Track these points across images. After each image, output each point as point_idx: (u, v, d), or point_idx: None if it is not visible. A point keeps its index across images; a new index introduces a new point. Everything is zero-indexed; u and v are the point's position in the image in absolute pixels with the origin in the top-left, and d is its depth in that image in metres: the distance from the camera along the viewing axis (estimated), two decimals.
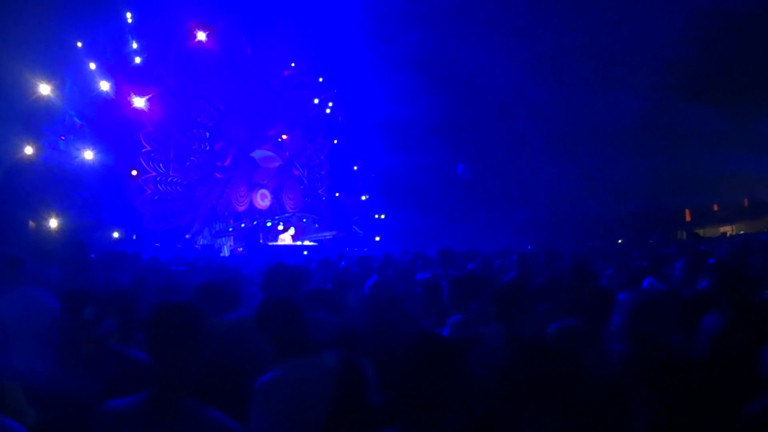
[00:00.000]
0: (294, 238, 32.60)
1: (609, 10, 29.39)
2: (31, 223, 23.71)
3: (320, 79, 37.97)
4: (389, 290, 6.65)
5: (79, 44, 26.11)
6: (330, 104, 38.60)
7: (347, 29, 32.10)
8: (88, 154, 26.29)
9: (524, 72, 32.18)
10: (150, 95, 29.29)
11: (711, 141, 31.15)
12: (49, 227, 23.85)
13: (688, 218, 38.69)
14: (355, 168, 38.73)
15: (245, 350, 4.51)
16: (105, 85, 27.14)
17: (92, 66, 26.69)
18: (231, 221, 34.03)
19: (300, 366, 4.08)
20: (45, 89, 23.87)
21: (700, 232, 27.61)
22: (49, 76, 24.44)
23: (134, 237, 27.65)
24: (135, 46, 29.56)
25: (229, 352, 4.49)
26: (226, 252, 30.81)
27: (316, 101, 37.93)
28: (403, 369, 3.35)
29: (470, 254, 13.69)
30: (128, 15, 29.04)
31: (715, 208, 38.51)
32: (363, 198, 37.95)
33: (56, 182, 25.04)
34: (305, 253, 27.01)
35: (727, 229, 36.23)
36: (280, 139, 36.18)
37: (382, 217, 37.89)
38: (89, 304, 5.25)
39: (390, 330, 5.41)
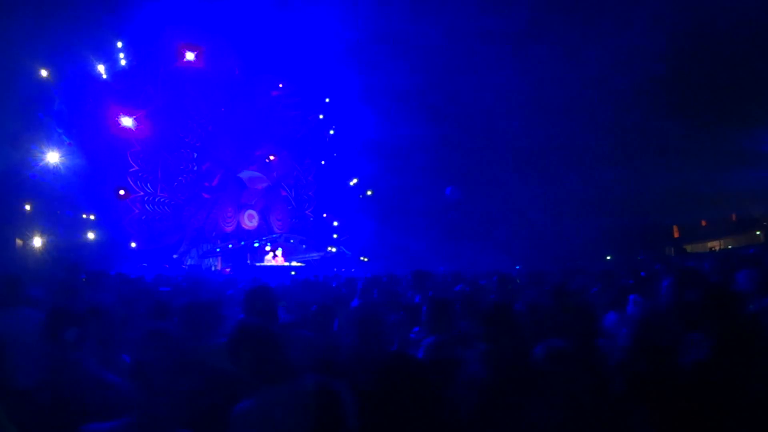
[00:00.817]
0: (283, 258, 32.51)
1: (592, 26, 29.45)
2: (18, 242, 23.70)
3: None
4: (372, 312, 6.63)
5: (68, 64, 26.15)
6: (319, 121, 38.51)
7: (335, 51, 32.17)
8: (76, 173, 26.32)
9: (511, 91, 32.24)
10: (138, 115, 29.27)
11: (698, 157, 31.18)
12: (35, 246, 23.85)
13: (676, 234, 38.75)
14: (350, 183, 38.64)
15: (228, 376, 4.45)
16: (94, 105, 27.16)
17: (81, 84, 26.71)
18: (218, 242, 33.97)
19: (276, 393, 4.01)
20: (33, 105, 23.93)
21: (688, 247, 27.69)
22: (38, 95, 24.48)
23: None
24: (124, 64, 29.64)
25: (212, 378, 4.46)
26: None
27: (308, 119, 37.88)
28: (377, 389, 3.36)
29: (457, 275, 13.66)
30: (118, 37, 29.16)
31: (703, 223, 38.58)
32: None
33: (44, 201, 25.03)
34: (293, 273, 26.98)
35: (715, 245, 36.24)
36: (267, 160, 36.19)
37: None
38: (72, 325, 5.23)
39: (370, 352, 5.41)
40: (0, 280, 7.72)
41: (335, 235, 38.02)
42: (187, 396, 3.60)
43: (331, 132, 38.69)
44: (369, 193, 37.56)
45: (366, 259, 36.39)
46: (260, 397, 4.00)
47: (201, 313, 5.97)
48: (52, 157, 25.58)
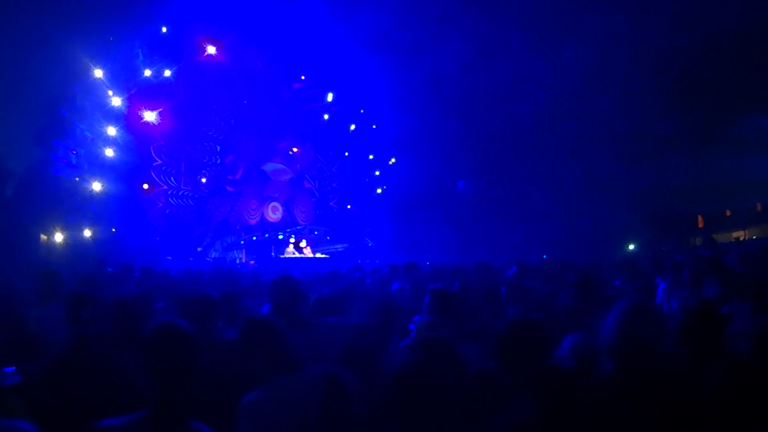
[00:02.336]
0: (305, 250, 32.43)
1: (616, 17, 29.37)
2: (43, 237, 23.84)
3: (362, 111, 38.19)
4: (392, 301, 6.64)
5: (90, 60, 26.24)
6: (341, 113, 38.42)
7: (358, 41, 32.16)
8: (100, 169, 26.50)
9: (533, 82, 32.18)
10: (161, 109, 29.32)
11: (722, 145, 31.05)
12: (59, 241, 23.97)
13: (701, 224, 38.49)
14: (366, 180, 38.62)
15: (240, 369, 4.50)
16: (116, 100, 27.18)
17: (103, 80, 26.75)
18: (243, 234, 34.12)
19: (285, 384, 4.12)
20: (55, 102, 24.05)
21: (717, 237, 27.53)
22: (61, 91, 24.60)
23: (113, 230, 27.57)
24: (145, 64, 29.72)
25: (226, 372, 4.52)
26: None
27: (326, 117, 37.84)
28: (401, 376, 3.34)
29: (482, 266, 13.60)
30: (139, 32, 29.25)
31: (728, 213, 38.30)
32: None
33: (68, 196, 25.17)
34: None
35: (740, 234, 35.99)
36: (291, 152, 36.26)
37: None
38: (88, 307, 5.36)
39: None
40: (39, 276, 7.79)
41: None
42: (200, 390, 3.62)
43: (352, 127, 38.60)
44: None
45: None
46: (268, 388, 4.10)
47: (219, 305, 6.04)
48: (76, 153, 25.78)
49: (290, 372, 4.18)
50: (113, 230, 27.43)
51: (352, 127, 38.31)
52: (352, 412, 4.13)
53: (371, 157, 38.35)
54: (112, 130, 27.07)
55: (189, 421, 3.50)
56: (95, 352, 4.97)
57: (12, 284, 7.30)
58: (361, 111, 38.07)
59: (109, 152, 26.82)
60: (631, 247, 29.50)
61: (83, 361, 4.87)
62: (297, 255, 30.46)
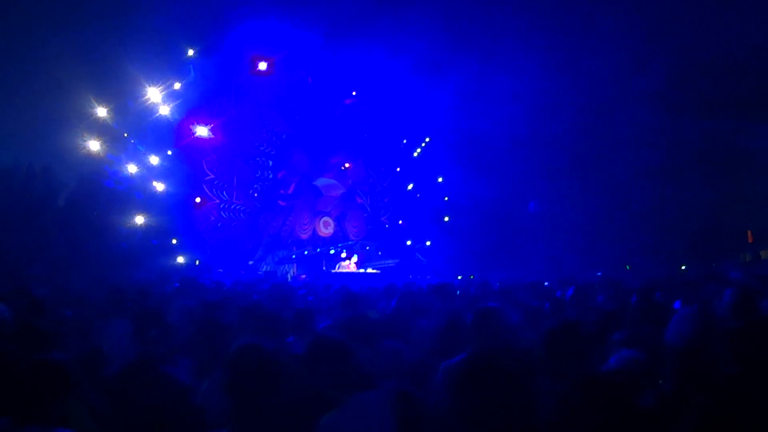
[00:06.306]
0: (357, 265, 32.39)
1: (646, 37, 29.22)
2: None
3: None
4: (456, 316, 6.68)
5: (142, 75, 26.53)
6: (393, 128, 38.42)
7: (408, 57, 32.14)
8: (158, 184, 26.80)
9: (577, 101, 32.08)
10: (213, 124, 29.56)
11: None
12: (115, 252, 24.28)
13: (750, 240, 37.91)
14: (418, 195, 38.53)
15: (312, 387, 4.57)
16: (166, 111, 27.47)
17: (156, 95, 27.02)
18: (294, 248, 34.20)
19: (359, 402, 4.19)
20: (108, 116, 24.30)
21: (763, 253, 27.14)
22: (114, 106, 24.86)
23: (197, 262, 27.94)
24: (197, 80, 30.01)
25: (296, 388, 4.59)
26: (289, 279, 30.87)
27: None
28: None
29: (534, 285, 13.57)
30: (191, 48, 29.54)
31: None
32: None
33: (121, 208, 25.45)
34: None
35: None
36: (343, 168, 36.36)
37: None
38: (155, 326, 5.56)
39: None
40: (109, 292, 7.95)
41: (409, 242, 38.01)
42: (278, 409, 3.69)
43: (404, 144, 38.70)
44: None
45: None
46: (345, 406, 4.16)
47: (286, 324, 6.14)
48: (129, 167, 26.10)
49: (359, 389, 4.25)
50: (197, 262, 27.81)
51: (405, 140, 38.44)
52: (422, 427, 4.18)
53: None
54: (164, 144, 27.43)
55: None
56: (159, 372, 5.03)
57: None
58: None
59: (162, 166, 27.14)
60: (683, 268, 29.02)
61: (146, 379, 4.94)
62: (349, 270, 30.54)
